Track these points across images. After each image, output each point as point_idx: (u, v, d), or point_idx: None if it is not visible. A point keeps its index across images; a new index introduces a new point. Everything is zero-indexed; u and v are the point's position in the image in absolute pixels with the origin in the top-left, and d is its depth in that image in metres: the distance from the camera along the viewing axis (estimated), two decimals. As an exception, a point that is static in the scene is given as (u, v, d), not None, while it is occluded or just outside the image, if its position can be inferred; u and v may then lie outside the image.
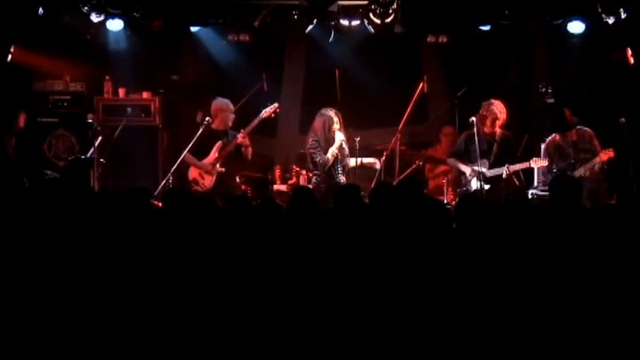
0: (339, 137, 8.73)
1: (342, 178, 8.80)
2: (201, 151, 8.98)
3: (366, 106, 10.54)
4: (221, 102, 9.06)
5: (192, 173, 9.02)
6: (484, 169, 8.78)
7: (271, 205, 5.31)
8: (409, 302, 4.32)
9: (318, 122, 8.81)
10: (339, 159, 8.77)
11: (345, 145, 8.81)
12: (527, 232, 4.83)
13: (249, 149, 9.02)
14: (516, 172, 8.95)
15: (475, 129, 8.74)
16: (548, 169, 8.81)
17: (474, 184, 8.79)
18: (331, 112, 8.75)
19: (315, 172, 8.86)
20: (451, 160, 9.18)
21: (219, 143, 8.98)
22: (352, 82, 10.21)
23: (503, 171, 8.68)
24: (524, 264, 4.45)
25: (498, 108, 8.79)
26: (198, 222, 5.01)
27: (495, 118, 8.75)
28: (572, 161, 8.67)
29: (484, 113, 8.81)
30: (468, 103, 9.71)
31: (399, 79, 10.39)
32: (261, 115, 9.11)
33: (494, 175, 8.77)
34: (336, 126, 8.76)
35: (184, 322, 4.32)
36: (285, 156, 10.51)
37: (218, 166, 8.93)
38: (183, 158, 8.87)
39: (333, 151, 8.68)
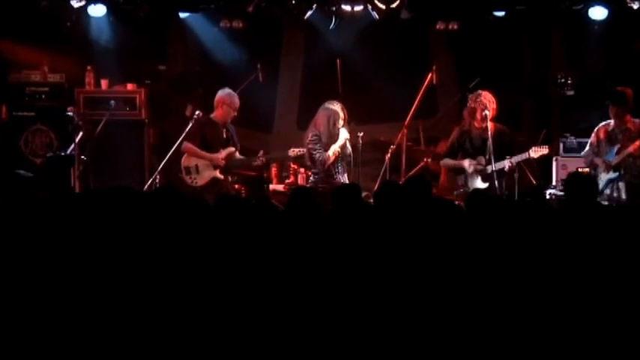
0: (344, 134, 8.68)
1: (343, 178, 8.79)
2: (202, 145, 8.95)
3: (370, 98, 10.56)
4: (227, 95, 8.96)
5: (187, 161, 8.97)
6: (480, 166, 8.74)
7: (267, 206, 5.33)
8: (416, 315, 4.35)
9: (321, 116, 8.76)
10: (340, 157, 8.75)
11: (348, 144, 8.78)
12: (543, 234, 4.85)
13: (261, 162, 9.07)
14: (532, 170, 8.95)
15: (488, 123, 8.69)
16: (593, 151, 8.64)
17: (477, 183, 8.74)
18: (337, 107, 8.72)
19: (314, 170, 8.87)
20: (445, 161, 9.06)
21: (231, 150, 8.97)
22: (355, 73, 10.23)
23: (506, 164, 8.62)
24: (540, 268, 4.48)
25: (487, 98, 8.71)
26: (188, 224, 5.02)
27: (484, 110, 8.66)
28: (618, 148, 8.55)
29: (473, 105, 8.74)
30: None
31: (405, 70, 10.41)
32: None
33: (496, 171, 8.68)
34: (342, 122, 8.73)
35: (172, 331, 4.34)
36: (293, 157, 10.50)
37: (219, 171, 8.94)
38: (183, 148, 8.87)
39: (335, 148, 8.65)
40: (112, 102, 10.16)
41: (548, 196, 9.17)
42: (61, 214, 5.21)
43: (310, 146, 8.76)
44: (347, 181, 8.70)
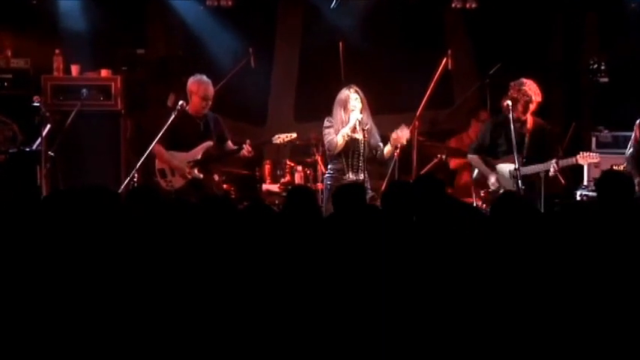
0: (355, 116, 8.63)
1: (355, 176, 8.69)
2: (174, 143, 8.96)
3: (377, 87, 10.47)
4: (194, 83, 8.92)
5: (161, 163, 8.99)
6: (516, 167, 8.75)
7: (260, 208, 5.33)
8: (420, 328, 4.36)
9: (335, 104, 8.77)
10: (353, 148, 8.64)
11: (359, 127, 8.63)
12: (574, 246, 4.86)
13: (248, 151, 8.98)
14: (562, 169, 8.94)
15: (511, 115, 8.70)
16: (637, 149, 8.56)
17: (511, 183, 8.73)
18: (347, 90, 8.71)
19: (329, 165, 8.83)
20: (474, 158, 9.06)
21: (208, 144, 8.94)
22: (359, 58, 10.24)
23: (551, 167, 8.60)
24: (569, 285, 4.50)
25: (532, 89, 8.70)
26: (171, 229, 5.03)
27: (529, 102, 8.65)
28: None
29: (514, 96, 8.72)
30: (501, 82, 9.74)
31: (417, 55, 10.42)
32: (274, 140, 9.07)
33: (530, 174, 8.67)
34: (354, 104, 8.66)
35: (155, 346, 4.36)
36: (277, 148, 10.50)
37: (197, 170, 8.90)
38: (153, 151, 8.88)
39: (344, 132, 8.57)
40: (84, 91, 10.15)
41: (578, 197, 9.18)
42: (26, 218, 5.21)
43: (323, 132, 8.72)
44: (359, 179, 8.67)
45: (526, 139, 8.67)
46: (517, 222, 4.85)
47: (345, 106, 8.63)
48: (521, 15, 10.65)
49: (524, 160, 8.65)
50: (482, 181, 9.03)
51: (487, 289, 4.44)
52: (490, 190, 8.80)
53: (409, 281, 4.51)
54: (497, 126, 8.77)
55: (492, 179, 8.75)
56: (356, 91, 8.68)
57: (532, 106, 8.61)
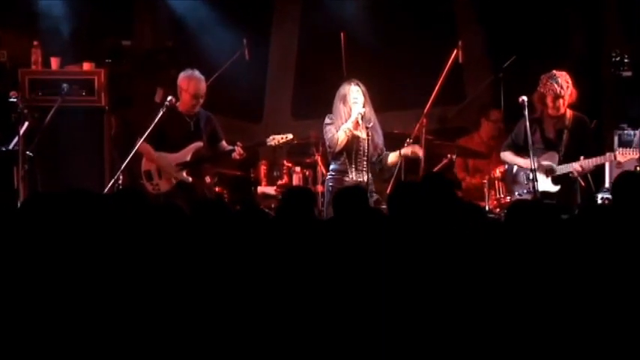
0: (357, 109, 8.65)
1: (358, 177, 8.73)
2: (161, 142, 8.98)
3: (382, 81, 10.50)
4: (184, 79, 8.93)
5: (147, 164, 9.02)
6: (553, 164, 8.79)
7: (254, 212, 5.35)
8: (422, 344, 4.39)
9: (336, 97, 8.79)
10: (356, 147, 8.66)
11: (362, 123, 8.63)
12: (594, 246, 4.89)
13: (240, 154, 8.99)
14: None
15: (526, 112, 8.75)
16: None
17: (545, 184, 8.77)
18: (348, 84, 8.73)
19: (331, 166, 8.85)
20: (507, 155, 9.08)
21: (197, 145, 8.95)
22: (362, 50, 10.26)
23: (574, 168, 8.65)
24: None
25: (560, 83, 8.75)
26: (159, 234, 5.04)
27: (557, 96, 8.69)
28: None
29: (542, 90, 8.78)
30: (516, 76, 9.77)
31: (425, 46, 10.44)
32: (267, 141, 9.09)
33: (566, 173, 8.74)
34: (356, 97, 8.68)
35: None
36: (274, 148, 10.51)
37: (185, 173, 8.92)
38: (139, 149, 8.90)
39: (346, 127, 8.60)
40: (65, 85, 10.14)
41: (599, 201, 9.20)
42: (2, 224, 5.22)
43: (324, 130, 8.78)
44: (363, 180, 8.70)
45: (564, 136, 8.74)
46: (530, 228, 4.88)
47: (345, 100, 8.67)
48: (539, 3, 10.66)
49: (561, 158, 8.73)
50: (515, 181, 9.05)
51: (498, 297, 4.47)
52: (523, 192, 8.80)
53: (414, 290, 4.54)
54: (532, 122, 8.80)
55: (526, 163, 8.73)
56: (357, 84, 8.72)
57: (563, 100, 8.66)
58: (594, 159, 8.71)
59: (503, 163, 9.22)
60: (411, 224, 5.12)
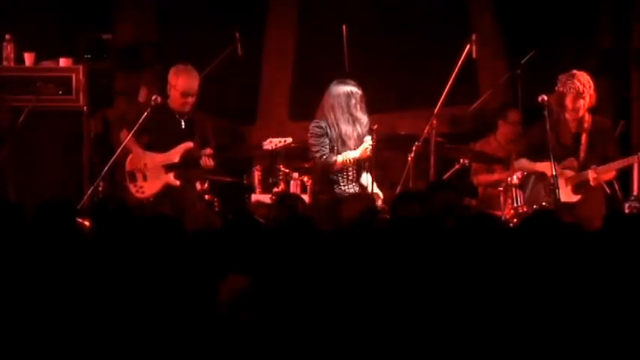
0: (367, 141, 8.56)
1: (351, 188, 8.77)
2: (149, 142, 8.97)
3: (387, 78, 10.62)
4: (173, 73, 8.95)
5: (132, 163, 8.97)
6: (571, 173, 8.81)
7: (248, 222, 5.39)
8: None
9: (329, 99, 8.68)
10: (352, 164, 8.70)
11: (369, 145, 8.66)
12: (621, 260, 4.92)
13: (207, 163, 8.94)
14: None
15: (546, 112, 8.78)
16: None
17: (566, 194, 8.76)
18: (347, 86, 8.71)
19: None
20: (521, 163, 9.06)
21: (187, 145, 8.94)
22: (367, 44, 10.30)
23: (589, 175, 8.69)
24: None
25: (582, 82, 8.77)
26: (141, 249, 5.05)
27: (579, 95, 8.71)
28: None
29: (561, 89, 8.80)
30: (536, 73, 9.81)
31: (435, 40, 10.48)
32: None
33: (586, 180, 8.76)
34: (359, 106, 8.64)
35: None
36: (269, 152, 10.53)
37: (172, 175, 8.90)
38: (120, 136, 8.89)
39: (349, 156, 8.56)
40: (40, 83, 10.19)
41: (627, 210, 9.23)
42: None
43: (311, 141, 8.73)
44: (355, 191, 8.73)
45: (582, 140, 8.76)
46: (547, 242, 4.90)
47: (349, 107, 8.64)
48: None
49: (580, 165, 8.75)
50: (533, 192, 9.05)
51: (510, 319, 4.51)
52: (542, 204, 8.79)
53: (417, 308, 4.58)
54: (551, 126, 8.81)
55: (546, 167, 8.75)
56: (358, 87, 8.71)
57: (584, 102, 8.68)
58: (613, 163, 8.71)
59: (519, 170, 9.22)
60: (413, 236, 5.14)
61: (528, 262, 4.88)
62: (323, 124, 8.65)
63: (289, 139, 9.02)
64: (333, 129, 8.63)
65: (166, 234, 5.19)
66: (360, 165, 8.77)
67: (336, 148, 8.64)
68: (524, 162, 9.01)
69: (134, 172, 8.94)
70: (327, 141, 8.64)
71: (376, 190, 8.75)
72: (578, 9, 10.82)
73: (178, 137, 8.95)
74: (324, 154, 8.64)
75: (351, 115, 8.65)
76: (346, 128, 8.64)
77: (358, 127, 8.69)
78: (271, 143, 8.98)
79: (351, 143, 8.66)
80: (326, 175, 8.75)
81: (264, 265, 4.99)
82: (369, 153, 8.65)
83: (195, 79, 8.89)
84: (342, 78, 8.82)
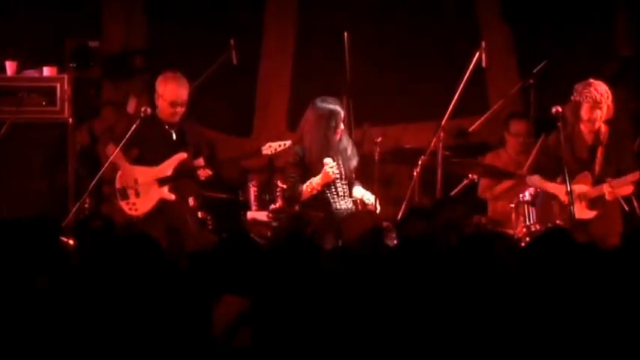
0: (330, 170, 8.61)
1: (344, 203, 8.84)
2: (139, 156, 8.95)
3: (391, 88, 10.63)
4: (162, 80, 8.90)
5: (122, 179, 8.94)
6: (585, 188, 8.81)
7: (244, 242, 5.41)
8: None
9: (308, 121, 8.74)
10: (338, 177, 8.71)
11: (348, 153, 8.71)
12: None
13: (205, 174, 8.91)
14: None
15: (560, 124, 8.79)
16: None
17: (581, 210, 8.75)
18: (334, 105, 8.74)
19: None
20: (533, 180, 9.04)
21: (181, 156, 8.93)
22: (369, 52, 10.31)
23: (604, 189, 8.71)
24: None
25: (599, 91, 8.78)
26: (133, 271, 5.06)
27: (596, 104, 8.72)
28: None
29: (577, 99, 8.80)
30: (549, 83, 9.83)
31: (442, 48, 10.50)
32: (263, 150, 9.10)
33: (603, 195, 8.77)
34: (335, 125, 8.68)
35: None
36: (267, 166, 10.52)
37: (167, 189, 8.88)
38: (107, 151, 8.86)
39: (314, 182, 8.63)
40: (22, 94, 10.19)
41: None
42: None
43: (287, 169, 8.82)
44: (349, 207, 8.76)
45: (598, 153, 8.76)
46: (559, 264, 4.91)
47: (328, 129, 8.63)
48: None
49: (595, 179, 8.75)
50: (545, 209, 9.04)
51: (519, 343, 4.53)
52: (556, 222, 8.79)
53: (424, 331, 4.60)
54: (564, 138, 8.81)
55: (560, 193, 8.75)
56: (340, 105, 8.72)
57: (600, 112, 8.68)
58: (629, 175, 8.70)
59: (532, 187, 9.22)
60: (419, 258, 5.15)
61: (540, 284, 4.90)
62: (300, 151, 8.75)
63: (289, 142, 8.97)
64: (312, 150, 8.71)
65: (156, 255, 5.20)
66: (349, 179, 8.79)
67: (317, 168, 8.69)
68: (536, 179, 8.98)
69: (125, 189, 8.88)
70: (300, 170, 8.74)
71: (369, 197, 8.79)
72: (594, 14, 10.83)
73: (170, 149, 8.90)
74: (291, 185, 8.79)
75: (328, 138, 8.68)
76: (323, 152, 8.69)
77: (336, 150, 8.72)
78: (270, 148, 8.94)
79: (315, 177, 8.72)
80: (287, 206, 8.82)
81: (262, 286, 5.00)
82: (332, 176, 8.67)
83: (184, 88, 8.86)
84: (323, 96, 8.83)
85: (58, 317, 4.78)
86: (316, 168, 8.70)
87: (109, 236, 5.87)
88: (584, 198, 8.75)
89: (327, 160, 8.64)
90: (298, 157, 8.75)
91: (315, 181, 8.67)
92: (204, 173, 8.89)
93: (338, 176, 8.69)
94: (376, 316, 4.73)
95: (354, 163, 8.90)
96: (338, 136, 8.74)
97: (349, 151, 8.87)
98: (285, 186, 8.81)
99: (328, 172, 8.63)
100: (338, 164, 8.71)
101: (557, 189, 8.77)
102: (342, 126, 8.75)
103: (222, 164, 9.55)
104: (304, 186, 8.69)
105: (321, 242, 7.90)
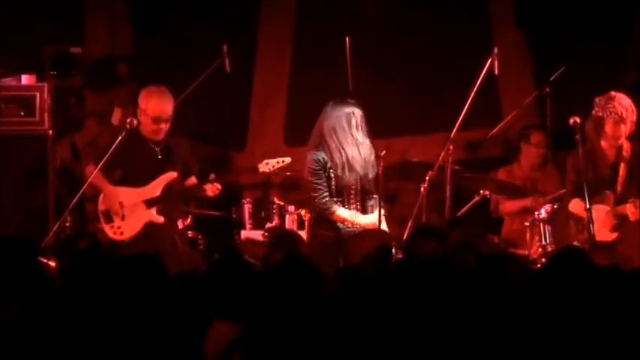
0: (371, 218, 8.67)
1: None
2: (123, 174, 8.95)
3: (397, 98, 10.64)
4: (145, 95, 8.91)
5: (106, 202, 8.93)
6: (607, 208, 8.81)
7: (237, 264, 5.40)
8: None
9: (329, 122, 8.71)
10: (347, 189, 8.70)
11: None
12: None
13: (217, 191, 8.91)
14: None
15: (578, 136, 8.81)
16: None
17: (603, 231, 8.76)
18: (352, 106, 8.74)
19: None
20: (577, 204, 9.02)
21: (170, 175, 8.91)
22: (373, 59, 10.33)
23: (627, 209, 8.72)
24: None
25: (623, 105, 8.79)
26: (121, 295, 5.06)
27: (620, 120, 8.74)
28: None
29: (600, 114, 8.83)
30: (567, 92, 9.83)
31: (451, 54, 10.51)
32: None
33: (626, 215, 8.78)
34: (360, 128, 8.73)
35: None
36: (262, 181, 10.53)
37: (155, 211, 8.87)
38: (86, 172, 8.87)
39: (356, 221, 8.64)
40: (-1, 104, 10.22)
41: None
42: None
43: (308, 178, 8.74)
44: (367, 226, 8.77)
45: (620, 171, 8.77)
46: (576, 287, 4.92)
47: (350, 128, 8.64)
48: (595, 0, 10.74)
49: (617, 198, 8.77)
50: (563, 228, 9.04)
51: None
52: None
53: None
54: (588, 155, 8.82)
55: (576, 206, 8.75)
56: (359, 107, 8.73)
57: (624, 128, 8.70)
58: None
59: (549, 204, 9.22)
60: (431, 279, 5.15)
61: (556, 309, 4.91)
62: (321, 157, 8.67)
63: (288, 159, 8.98)
64: (337, 155, 8.64)
65: (146, 277, 5.20)
66: (363, 196, 8.78)
67: (343, 174, 8.65)
68: (578, 203, 8.92)
69: (109, 212, 8.88)
70: (324, 178, 8.68)
71: (383, 225, 8.76)
72: (612, 19, 10.84)
73: (156, 168, 8.93)
74: (323, 198, 8.68)
75: (354, 137, 8.67)
76: (352, 151, 8.66)
77: (362, 151, 8.71)
78: (268, 165, 8.92)
79: (359, 168, 8.69)
80: (319, 218, 8.80)
81: (255, 312, 5.00)
82: (373, 226, 8.68)
83: (168, 103, 8.85)
84: (340, 97, 8.82)
85: (38, 347, 4.78)
86: (347, 169, 8.67)
87: (97, 257, 5.82)
88: (606, 218, 8.76)
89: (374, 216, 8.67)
90: (320, 163, 8.67)
91: (361, 220, 8.70)
92: (212, 189, 8.87)
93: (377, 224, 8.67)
94: (385, 345, 4.72)
95: (371, 173, 8.84)
96: (363, 137, 8.73)
97: (372, 159, 8.83)
98: (315, 196, 8.69)
99: (374, 223, 8.66)
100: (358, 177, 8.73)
101: (575, 206, 8.78)
102: (364, 127, 8.75)
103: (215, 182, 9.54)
104: (347, 213, 8.68)
105: (320, 263, 7.88)
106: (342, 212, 8.66)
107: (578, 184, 8.86)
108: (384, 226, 8.74)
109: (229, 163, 10.93)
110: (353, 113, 8.68)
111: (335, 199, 8.66)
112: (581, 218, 8.80)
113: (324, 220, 8.74)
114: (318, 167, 8.67)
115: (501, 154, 10.85)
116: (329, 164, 8.65)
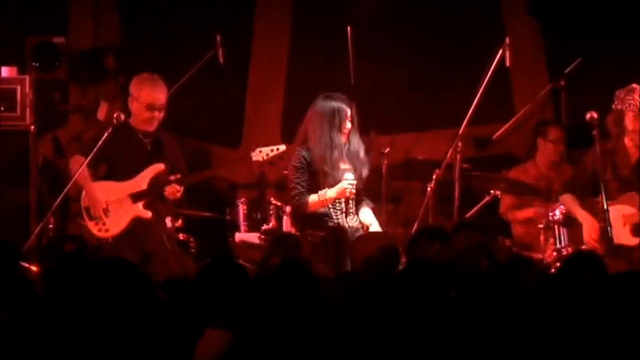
0: (349, 177, 8.56)
1: (352, 221, 8.86)
2: (110, 169, 8.93)
3: (401, 91, 10.64)
4: (138, 82, 8.91)
5: (89, 198, 8.89)
6: (631, 210, 8.81)
7: (230, 268, 5.40)
8: None
9: (311, 119, 8.73)
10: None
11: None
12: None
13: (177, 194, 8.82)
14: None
15: (595, 132, 8.80)
16: None
17: (624, 235, 8.76)
18: (339, 102, 8.74)
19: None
20: (567, 200, 9.01)
21: (157, 167, 8.90)
22: (376, 50, 10.33)
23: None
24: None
25: (645, 97, 8.83)
26: (107, 302, 5.06)
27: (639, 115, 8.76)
28: None
29: (619, 107, 8.82)
30: (584, 85, 9.84)
31: (459, 44, 10.52)
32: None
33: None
34: (348, 125, 8.75)
35: None
36: (257, 181, 10.53)
37: (142, 205, 8.84)
38: (71, 162, 8.85)
39: (327, 196, 8.58)
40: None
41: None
42: None
43: (289, 174, 8.75)
44: (356, 225, 8.76)
45: None
46: (591, 291, 4.92)
47: (331, 127, 8.61)
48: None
49: None
50: (579, 235, 9.05)
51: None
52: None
53: None
54: (604, 153, 8.81)
55: (587, 227, 8.75)
56: (350, 104, 8.70)
57: None
58: None
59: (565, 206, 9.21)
60: (433, 283, 5.16)
61: (570, 316, 4.91)
62: (305, 154, 8.70)
63: (283, 147, 8.91)
64: (318, 152, 8.65)
65: (131, 283, 5.20)
66: (357, 192, 8.75)
67: (327, 172, 8.63)
68: (568, 199, 8.95)
69: (91, 208, 8.85)
70: (305, 176, 8.68)
71: (377, 227, 8.75)
72: (630, 8, 10.82)
73: (144, 161, 8.89)
74: (297, 193, 8.69)
75: (337, 135, 8.65)
76: (336, 149, 8.66)
77: (349, 147, 8.70)
78: (261, 153, 8.87)
79: (336, 173, 8.66)
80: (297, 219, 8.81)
81: (249, 319, 5.00)
82: (348, 194, 8.64)
83: (162, 91, 8.84)
84: (329, 92, 8.79)
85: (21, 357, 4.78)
86: (322, 175, 8.66)
87: (84, 261, 5.83)
88: (628, 221, 8.74)
89: (348, 176, 8.60)
90: (304, 161, 8.70)
91: (330, 194, 8.63)
92: (171, 190, 8.80)
93: (354, 196, 8.67)
94: (390, 351, 4.73)
95: (365, 171, 8.86)
96: (344, 137, 8.71)
97: (361, 157, 8.83)
98: (292, 194, 8.70)
99: (346, 189, 8.59)
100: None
101: (586, 219, 8.74)
102: (349, 125, 8.72)
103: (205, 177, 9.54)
104: (316, 196, 8.64)
105: (318, 268, 7.88)
106: (312, 199, 8.65)
107: (578, 181, 8.91)
108: (376, 227, 8.74)
109: (223, 161, 10.89)
110: (338, 110, 8.65)
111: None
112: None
113: (309, 219, 8.73)
114: (301, 164, 8.70)
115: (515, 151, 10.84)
116: (313, 163, 8.65)
